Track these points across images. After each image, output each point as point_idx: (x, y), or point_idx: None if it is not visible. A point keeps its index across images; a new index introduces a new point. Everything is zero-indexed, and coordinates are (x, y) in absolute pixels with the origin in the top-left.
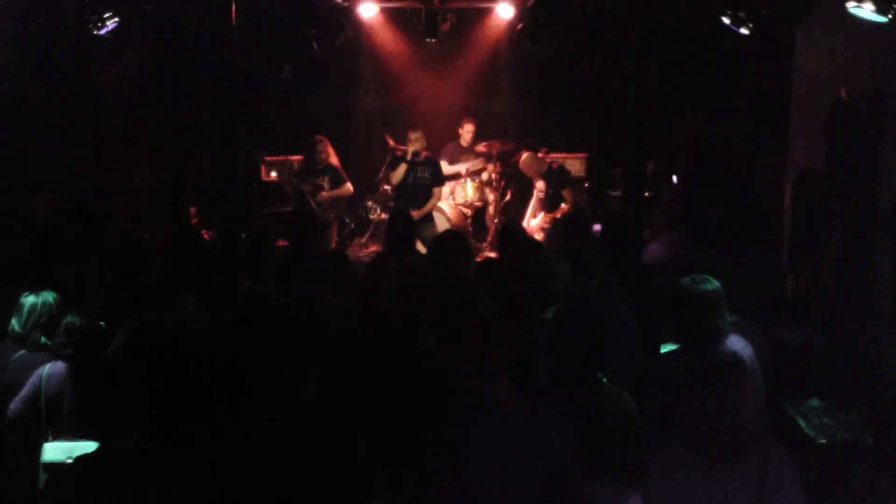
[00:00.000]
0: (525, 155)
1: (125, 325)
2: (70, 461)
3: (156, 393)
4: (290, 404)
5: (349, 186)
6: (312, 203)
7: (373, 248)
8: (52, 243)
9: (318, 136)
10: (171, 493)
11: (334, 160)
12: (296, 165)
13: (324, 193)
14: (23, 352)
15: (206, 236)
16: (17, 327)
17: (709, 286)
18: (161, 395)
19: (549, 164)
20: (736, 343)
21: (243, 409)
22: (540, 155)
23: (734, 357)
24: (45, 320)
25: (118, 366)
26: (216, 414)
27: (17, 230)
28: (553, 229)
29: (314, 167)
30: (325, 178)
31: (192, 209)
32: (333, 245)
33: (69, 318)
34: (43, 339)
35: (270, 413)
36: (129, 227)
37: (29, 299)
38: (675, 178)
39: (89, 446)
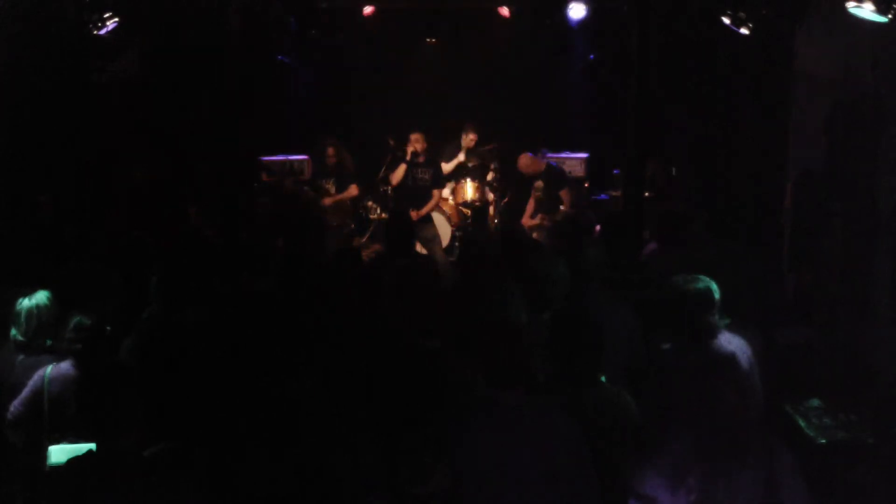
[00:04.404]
0: (523, 155)
1: (138, 326)
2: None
3: (164, 393)
4: (287, 403)
5: (353, 189)
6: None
7: (373, 248)
8: (52, 243)
9: (327, 138)
10: (169, 493)
11: (345, 161)
12: (295, 165)
13: (327, 200)
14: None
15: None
16: (20, 336)
17: (702, 284)
18: (169, 395)
19: (547, 164)
20: (732, 342)
21: (242, 409)
22: (535, 156)
23: (729, 355)
24: (45, 321)
25: (129, 366)
26: (216, 413)
27: (17, 230)
28: (553, 230)
29: (323, 169)
30: (331, 181)
31: (192, 209)
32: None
33: (78, 318)
34: (48, 342)
35: (268, 412)
36: (129, 227)
37: (23, 305)
38: (673, 171)
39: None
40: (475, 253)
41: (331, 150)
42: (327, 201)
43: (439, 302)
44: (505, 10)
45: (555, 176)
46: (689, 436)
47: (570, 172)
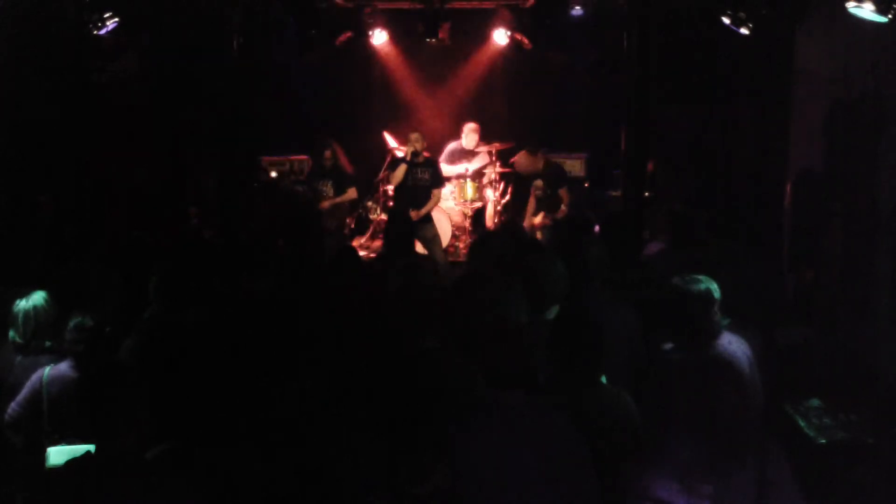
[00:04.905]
0: (520, 154)
1: (138, 326)
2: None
3: (167, 393)
4: (287, 403)
5: (352, 192)
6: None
7: (373, 248)
8: (53, 244)
9: (326, 139)
10: (168, 493)
11: (343, 164)
12: (296, 165)
13: (325, 203)
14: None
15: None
16: (18, 338)
17: (703, 285)
18: (171, 396)
19: (545, 162)
20: (732, 342)
21: (242, 409)
22: (533, 154)
23: (729, 356)
24: (43, 322)
25: (129, 366)
26: (215, 414)
27: (18, 230)
28: (553, 229)
29: (320, 170)
30: (329, 183)
31: (192, 209)
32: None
33: (79, 319)
34: (47, 343)
35: (268, 412)
36: (129, 227)
37: (20, 306)
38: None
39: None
40: (485, 251)
41: (327, 153)
42: (325, 204)
43: (440, 302)
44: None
45: (554, 173)
46: (689, 435)
47: (569, 172)
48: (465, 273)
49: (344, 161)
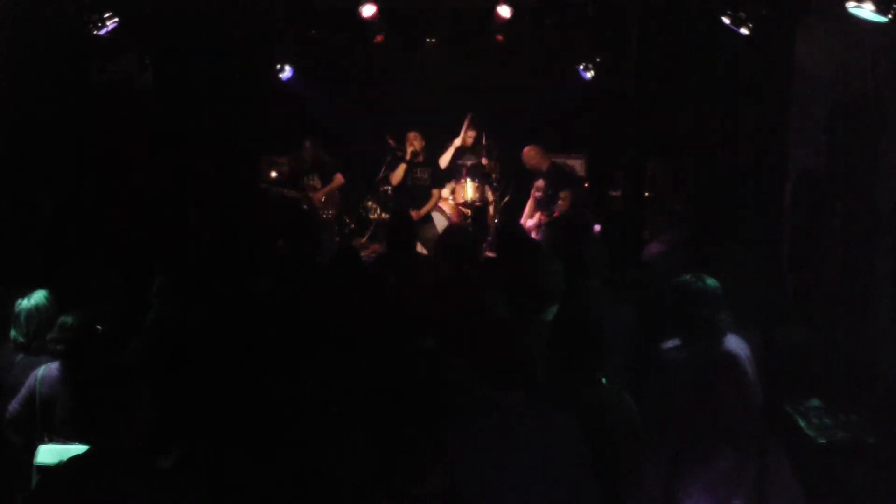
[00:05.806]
0: (530, 148)
1: (142, 328)
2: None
3: (169, 394)
4: (287, 403)
5: (339, 177)
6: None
7: (373, 248)
8: (52, 243)
9: (304, 138)
10: (168, 494)
11: (323, 157)
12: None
13: (317, 194)
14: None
15: (205, 237)
16: (20, 337)
17: (707, 284)
18: (173, 396)
19: (552, 163)
20: (733, 341)
21: (242, 409)
22: (543, 152)
23: (730, 355)
24: (45, 322)
25: (128, 367)
26: (216, 414)
27: (18, 231)
28: (551, 229)
29: (303, 168)
30: (315, 177)
31: (192, 209)
32: (337, 242)
33: (64, 318)
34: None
35: (268, 412)
36: (129, 227)
37: (23, 305)
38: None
39: (82, 449)
40: (453, 247)
41: (308, 144)
42: (319, 195)
43: (437, 301)
44: (506, 11)
45: (557, 175)
46: (688, 435)
47: (571, 174)
48: (446, 270)
49: (322, 153)
